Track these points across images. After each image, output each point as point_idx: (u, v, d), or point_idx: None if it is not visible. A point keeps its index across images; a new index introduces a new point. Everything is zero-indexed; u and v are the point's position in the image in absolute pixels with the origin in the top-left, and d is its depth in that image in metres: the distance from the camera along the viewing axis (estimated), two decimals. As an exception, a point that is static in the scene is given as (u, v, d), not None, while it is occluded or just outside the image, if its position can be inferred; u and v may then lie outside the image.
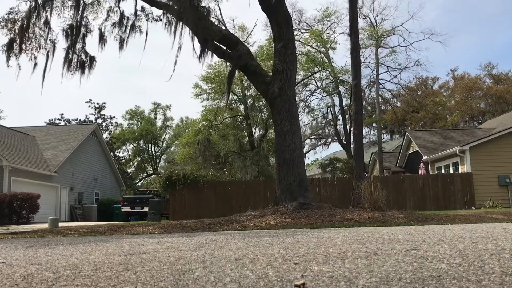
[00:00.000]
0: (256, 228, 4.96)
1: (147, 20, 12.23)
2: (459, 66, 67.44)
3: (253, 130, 30.81)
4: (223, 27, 11.95)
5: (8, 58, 11.32)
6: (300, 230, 3.46)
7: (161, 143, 51.17)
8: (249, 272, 1.31)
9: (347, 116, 30.40)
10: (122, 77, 75.68)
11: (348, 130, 29.76)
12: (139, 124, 49.16)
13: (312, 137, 34.80)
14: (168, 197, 18.64)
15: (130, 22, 12.04)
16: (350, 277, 1.19)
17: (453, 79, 47.01)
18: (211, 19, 11.09)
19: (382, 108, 36.56)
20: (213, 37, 10.23)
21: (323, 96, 32.24)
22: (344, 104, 31.18)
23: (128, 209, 23.43)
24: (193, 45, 10.61)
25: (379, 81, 30.91)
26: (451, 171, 20.09)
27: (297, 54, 14.59)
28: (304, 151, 31.41)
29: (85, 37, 11.94)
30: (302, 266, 1.39)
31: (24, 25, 11.28)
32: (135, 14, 12.05)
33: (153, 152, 50.60)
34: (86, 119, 43.28)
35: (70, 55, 11.51)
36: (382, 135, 35.40)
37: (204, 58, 10.50)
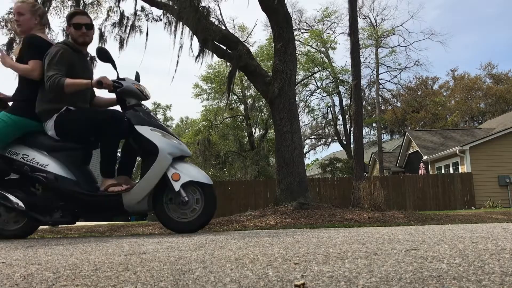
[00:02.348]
0: (256, 228, 4.97)
1: (147, 20, 12.22)
2: (459, 66, 67.56)
3: (253, 130, 30.84)
4: (223, 27, 11.94)
5: (8, 58, 11.33)
6: (300, 230, 3.47)
7: (161, 143, 51.08)
8: (249, 272, 1.31)
9: (347, 116, 30.41)
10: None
11: (348, 130, 29.78)
12: (139, 124, 49.10)
13: (312, 137, 34.82)
14: (168, 197, 18.60)
15: (130, 22, 12.04)
16: (350, 277, 1.19)
17: (453, 79, 47.04)
18: (211, 19, 11.09)
19: (382, 108, 36.57)
20: (213, 37, 10.23)
21: (323, 96, 32.26)
22: (344, 104, 31.21)
23: (128, 209, 23.38)
24: (191, 45, 10.61)
25: (379, 81, 30.93)
26: (451, 171, 20.10)
27: (297, 54, 14.59)
28: (304, 151, 31.44)
29: (85, 37, 11.94)
30: (302, 266, 1.39)
31: (24, 25, 11.29)
32: (135, 14, 12.06)
33: (153, 152, 50.53)
34: (86, 119, 43.29)
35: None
36: (382, 135, 35.41)
37: (202, 58, 10.49)
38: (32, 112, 3.55)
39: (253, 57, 10.79)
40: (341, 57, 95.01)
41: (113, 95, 3.78)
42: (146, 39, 12.30)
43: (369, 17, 32.05)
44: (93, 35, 3.81)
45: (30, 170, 3.44)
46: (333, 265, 1.40)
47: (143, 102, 3.68)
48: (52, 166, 3.43)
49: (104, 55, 3.56)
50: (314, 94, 31.98)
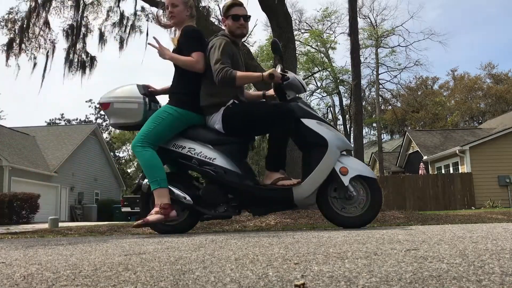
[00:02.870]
0: (256, 228, 4.98)
1: (147, 20, 12.21)
2: (459, 66, 67.67)
3: (253, 130, 30.81)
4: (223, 27, 11.95)
5: (7, 58, 11.32)
6: (300, 230, 3.47)
7: (161, 143, 51.14)
8: (249, 272, 1.31)
9: (347, 116, 30.42)
10: (123, 76, 75.72)
11: (348, 130, 29.78)
12: (139, 124, 49.12)
13: (312, 137, 34.77)
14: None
15: (130, 22, 12.03)
16: (350, 277, 1.19)
17: (453, 79, 47.06)
18: (211, 19, 11.08)
19: (382, 108, 36.60)
20: (213, 37, 10.24)
21: (323, 96, 32.29)
22: (344, 104, 31.24)
23: (128, 209, 23.44)
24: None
25: (379, 81, 30.94)
26: (451, 171, 20.10)
27: (297, 54, 14.57)
28: (304, 151, 31.36)
29: (85, 37, 11.94)
30: (302, 266, 1.39)
31: (24, 25, 11.28)
32: (135, 14, 12.05)
33: (153, 152, 50.57)
34: (86, 119, 43.32)
35: (71, 55, 11.51)
36: (382, 135, 35.44)
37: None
38: (195, 105, 3.50)
39: (253, 57, 10.80)
40: (341, 57, 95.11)
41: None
42: (147, 39, 12.29)
43: (369, 17, 32.10)
44: (248, 27, 3.73)
45: (198, 163, 3.40)
46: (333, 265, 1.40)
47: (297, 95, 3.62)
48: (219, 159, 3.39)
49: (277, 48, 3.55)
50: (314, 94, 32.01)
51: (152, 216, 3.29)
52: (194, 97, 3.52)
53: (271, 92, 3.87)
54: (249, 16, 3.68)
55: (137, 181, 3.78)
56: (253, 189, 3.38)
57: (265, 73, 3.37)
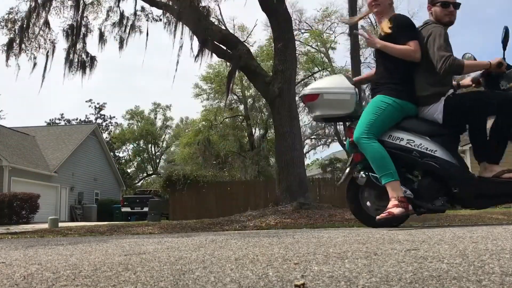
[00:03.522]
0: (256, 228, 4.98)
1: (147, 20, 12.23)
2: (459, 66, 67.33)
3: (253, 130, 30.82)
4: (223, 27, 11.95)
5: (7, 58, 11.33)
6: (300, 230, 3.46)
7: (161, 143, 51.12)
8: (249, 272, 1.31)
9: (347, 116, 30.36)
10: (122, 76, 75.71)
11: (348, 130, 29.74)
12: (139, 124, 49.13)
13: (312, 137, 34.80)
14: (168, 197, 18.67)
15: (130, 22, 12.04)
16: (350, 277, 1.19)
17: (453, 79, 47.08)
18: (211, 19, 11.09)
19: (382, 108, 36.51)
20: (213, 37, 10.23)
21: (323, 96, 32.17)
22: (344, 104, 31.12)
23: (128, 209, 23.45)
24: (191, 45, 10.62)
25: (379, 81, 30.91)
26: (451, 171, 20.08)
27: (297, 54, 14.58)
28: (304, 151, 31.39)
29: (85, 37, 11.94)
30: (302, 266, 1.39)
31: (24, 25, 11.28)
32: (135, 14, 12.05)
33: (153, 152, 50.57)
34: (86, 119, 43.34)
35: (71, 56, 11.51)
36: (382, 135, 35.31)
37: (202, 58, 10.50)
38: (411, 95, 3.39)
39: (253, 57, 10.76)
40: (341, 57, 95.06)
41: None
42: (146, 39, 12.32)
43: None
44: (456, 15, 3.57)
45: (420, 156, 3.29)
46: (333, 265, 1.40)
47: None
48: (440, 151, 3.30)
49: (508, 35, 3.47)
50: (314, 94, 31.94)
51: (395, 209, 3.16)
52: (409, 87, 3.42)
53: (466, 81, 3.78)
54: (459, 4, 3.56)
55: (346, 172, 3.61)
56: (477, 182, 3.32)
57: (494, 61, 3.28)
